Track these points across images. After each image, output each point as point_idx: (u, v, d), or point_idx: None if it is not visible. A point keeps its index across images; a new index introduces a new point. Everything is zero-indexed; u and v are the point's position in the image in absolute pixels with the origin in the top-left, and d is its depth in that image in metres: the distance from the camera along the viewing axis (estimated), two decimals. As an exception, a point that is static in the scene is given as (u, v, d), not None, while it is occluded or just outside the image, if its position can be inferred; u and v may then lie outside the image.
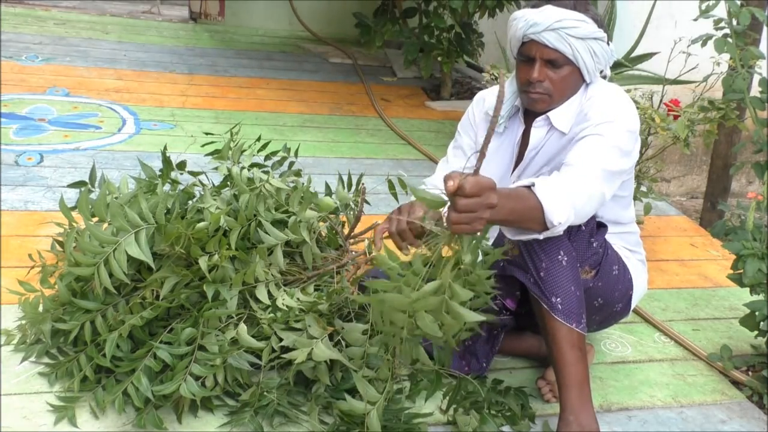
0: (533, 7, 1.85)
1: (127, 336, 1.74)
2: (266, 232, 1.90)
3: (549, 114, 1.89)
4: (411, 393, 1.88)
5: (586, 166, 1.71)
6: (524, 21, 1.82)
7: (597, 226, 1.87)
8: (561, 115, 1.88)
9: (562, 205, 1.61)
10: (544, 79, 1.84)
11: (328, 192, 2.33)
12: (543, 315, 1.77)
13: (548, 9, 1.81)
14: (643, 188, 2.91)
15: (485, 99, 2.04)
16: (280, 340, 1.79)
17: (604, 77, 1.96)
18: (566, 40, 1.79)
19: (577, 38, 1.80)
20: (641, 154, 2.86)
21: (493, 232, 1.96)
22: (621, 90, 1.91)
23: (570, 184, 1.66)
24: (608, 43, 1.87)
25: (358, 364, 1.77)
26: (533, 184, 1.61)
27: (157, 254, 1.81)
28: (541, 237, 1.66)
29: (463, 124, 2.09)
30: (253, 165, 2.09)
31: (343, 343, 1.82)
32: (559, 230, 1.64)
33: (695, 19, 2.44)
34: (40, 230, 2.47)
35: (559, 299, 1.74)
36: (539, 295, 1.76)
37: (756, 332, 2.19)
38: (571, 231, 1.78)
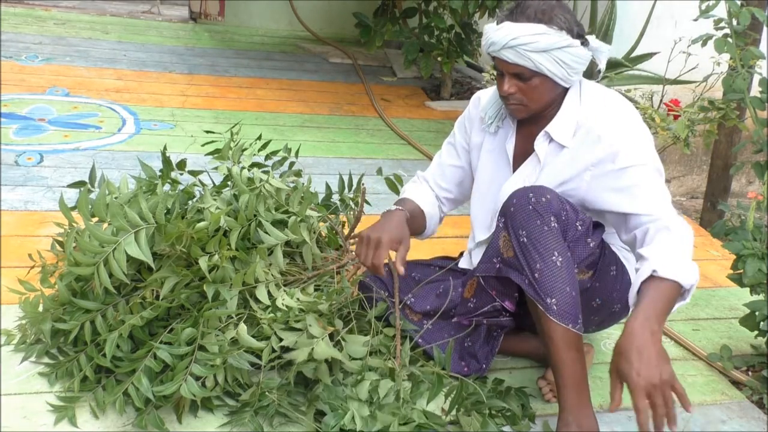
0: (497, 21, 1.83)
1: (127, 336, 1.74)
2: (266, 233, 1.90)
3: (547, 129, 1.89)
4: (412, 394, 1.88)
5: (664, 212, 1.75)
6: (485, 39, 1.83)
7: (594, 226, 1.87)
8: (559, 128, 1.88)
9: (687, 266, 1.66)
10: (516, 91, 1.84)
11: (328, 192, 2.34)
12: (539, 316, 1.77)
13: (505, 27, 1.79)
14: (643, 188, 2.91)
15: (480, 99, 2.06)
16: (280, 340, 1.79)
17: (599, 72, 1.95)
18: (525, 55, 1.78)
19: (536, 52, 1.77)
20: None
21: (489, 231, 1.96)
22: (617, 96, 1.91)
23: (676, 241, 1.70)
24: (584, 44, 1.83)
25: (358, 370, 1.79)
26: (654, 271, 1.63)
27: (157, 254, 1.81)
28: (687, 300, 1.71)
29: (459, 123, 2.10)
30: (253, 165, 2.09)
31: (343, 342, 1.83)
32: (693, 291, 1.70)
33: (695, 19, 2.44)
34: (40, 230, 2.47)
35: (554, 300, 1.74)
36: (534, 296, 1.76)
37: (756, 332, 2.19)
38: (568, 231, 1.78)
